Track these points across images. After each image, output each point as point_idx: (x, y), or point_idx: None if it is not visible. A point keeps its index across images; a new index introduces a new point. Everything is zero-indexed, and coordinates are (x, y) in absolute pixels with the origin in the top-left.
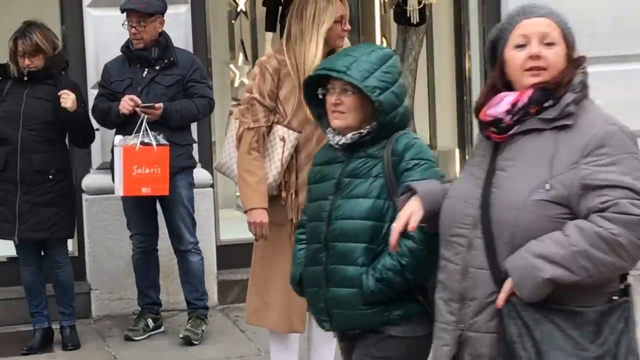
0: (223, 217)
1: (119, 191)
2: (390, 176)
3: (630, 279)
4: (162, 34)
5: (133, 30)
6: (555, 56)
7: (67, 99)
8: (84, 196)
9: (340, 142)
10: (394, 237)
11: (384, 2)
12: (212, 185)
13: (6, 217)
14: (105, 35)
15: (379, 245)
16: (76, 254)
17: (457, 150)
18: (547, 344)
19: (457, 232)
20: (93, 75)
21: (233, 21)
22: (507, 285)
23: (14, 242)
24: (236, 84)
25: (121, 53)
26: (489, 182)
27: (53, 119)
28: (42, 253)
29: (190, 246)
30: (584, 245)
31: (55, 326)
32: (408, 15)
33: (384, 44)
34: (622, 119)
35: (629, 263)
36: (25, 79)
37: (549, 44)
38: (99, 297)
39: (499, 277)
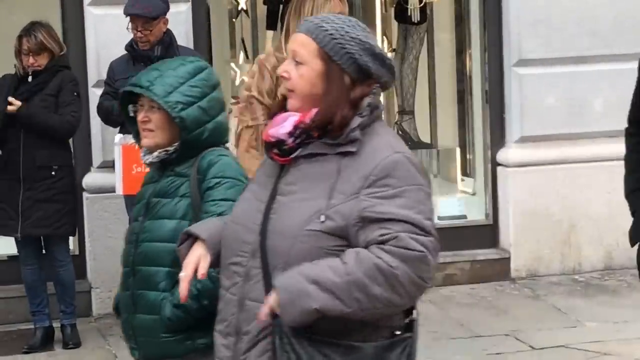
0: None
1: (119, 190)
2: (195, 196)
3: (415, 314)
4: (167, 32)
5: (139, 34)
6: (297, 77)
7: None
8: (85, 195)
9: (148, 161)
10: (183, 287)
11: (385, 0)
12: None
13: (9, 213)
14: (106, 33)
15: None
16: (77, 253)
17: (457, 150)
18: None
19: (235, 260)
20: (94, 74)
21: (234, 20)
22: (272, 300)
23: (17, 238)
24: (237, 82)
25: (125, 52)
26: (269, 207)
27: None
28: (44, 251)
29: None
30: (359, 275)
31: (56, 325)
32: (409, 13)
33: (385, 43)
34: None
35: (405, 300)
36: (30, 79)
37: (298, 63)
38: (100, 296)
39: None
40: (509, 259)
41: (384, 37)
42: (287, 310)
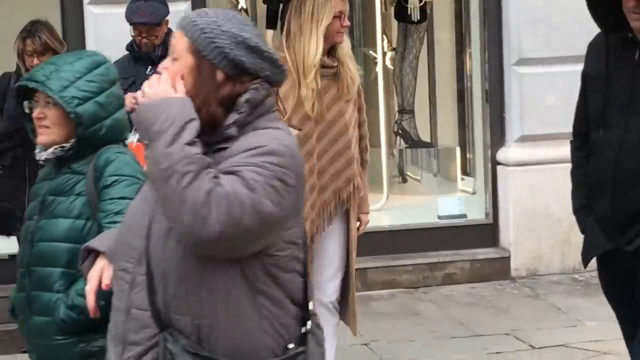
0: None
1: None
2: (92, 194)
3: (309, 325)
4: (168, 32)
5: (145, 40)
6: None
7: None
8: None
9: (43, 158)
10: (90, 299)
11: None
12: None
13: (15, 212)
14: (106, 33)
15: (79, 270)
16: None
17: (457, 149)
18: None
19: (123, 266)
20: None
21: None
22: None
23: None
24: None
25: (126, 52)
26: (155, 210)
27: None
28: None
29: None
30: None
31: None
32: (409, 12)
33: (385, 42)
34: None
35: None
36: None
37: (174, 59)
38: None
39: (160, 319)
40: (509, 258)
41: (384, 36)
42: None
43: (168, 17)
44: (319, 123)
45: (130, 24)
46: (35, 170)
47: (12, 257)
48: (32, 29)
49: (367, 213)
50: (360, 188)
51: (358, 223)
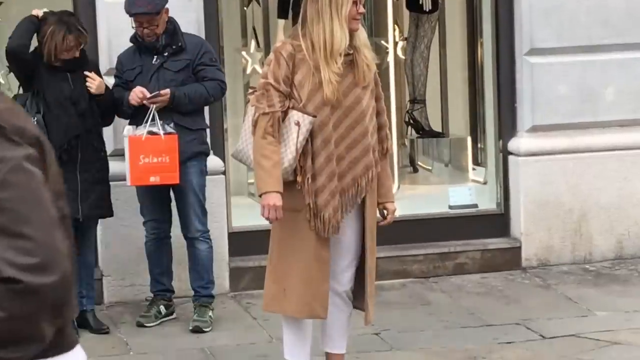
0: (235, 204)
1: (127, 180)
2: None
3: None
4: (170, 21)
5: (146, 31)
6: None
7: (93, 84)
8: None
9: None
10: None
11: None
12: (224, 173)
13: (69, 195)
14: (118, 22)
15: None
16: None
17: (469, 139)
18: None
19: None
20: (105, 62)
21: (245, 8)
22: None
23: (79, 220)
24: (248, 70)
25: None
26: None
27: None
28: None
29: (197, 234)
30: None
31: None
32: (421, 2)
33: (396, 31)
34: (634, 107)
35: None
36: (64, 69)
37: None
38: (111, 284)
39: None
40: (519, 248)
41: (396, 25)
42: None
43: (167, 6)
44: (336, 110)
45: (130, 16)
46: (86, 154)
47: None
48: (70, 22)
49: (393, 202)
50: (376, 177)
51: (385, 212)
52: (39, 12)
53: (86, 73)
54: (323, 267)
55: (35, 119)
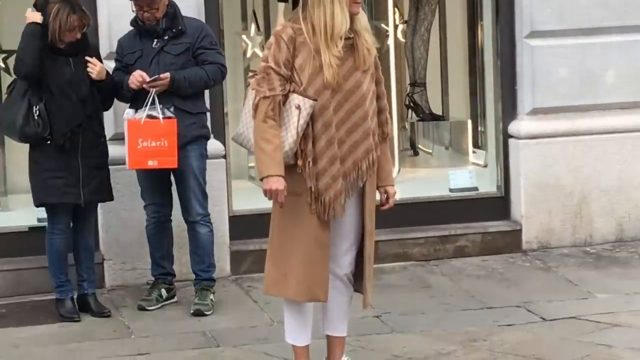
0: (236, 187)
1: (126, 164)
2: None
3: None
4: (170, 4)
5: (146, 14)
6: None
7: (94, 69)
8: None
9: None
10: None
11: None
12: (224, 156)
13: (71, 181)
14: (118, 6)
15: None
16: None
17: (469, 121)
18: None
19: None
20: (106, 45)
21: None
22: None
23: (81, 205)
24: (248, 54)
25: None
26: None
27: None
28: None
29: (198, 217)
30: None
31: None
32: None
33: (397, 14)
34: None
35: None
36: (66, 52)
37: None
38: (112, 267)
39: None
40: (520, 230)
41: (396, 8)
42: None
43: None
44: (336, 93)
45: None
46: (87, 140)
47: (32, 229)
48: (74, 2)
49: (393, 185)
50: (376, 161)
51: (385, 195)
52: (37, 16)
53: (87, 59)
54: (323, 250)
55: (38, 107)
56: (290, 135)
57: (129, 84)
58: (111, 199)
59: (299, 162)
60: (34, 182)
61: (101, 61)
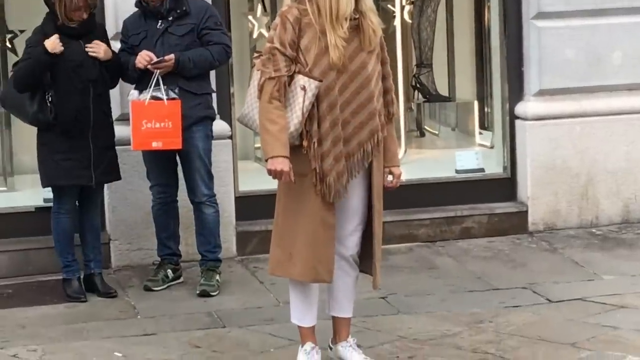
0: (242, 168)
1: (131, 145)
2: None
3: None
4: None
5: None
6: None
7: (98, 49)
8: None
9: None
10: None
11: None
12: (231, 137)
13: (82, 163)
14: None
15: None
16: None
17: (476, 103)
18: None
19: None
20: (112, 26)
21: None
22: None
23: (92, 186)
24: (255, 35)
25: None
26: None
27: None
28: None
29: (204, 198)
30: None
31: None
32: None
33: None
34: None
35: None
36: (75, 33)
37: None
38: (119, 248)
39: None
40: (526, 212)
41: None
42: None
43: None
44: (342, 74)
45: None
46: (97, 121)
47: (39, 209)
48: None
49: (398, 166)
50: (382, 141)
51: (391, 176)
52: (57, 47)
53: (87, 46)
54: (328, 231)
55: (50, 93)
56: (295, 116)
57: (135, 63)
58: (119, 178)
59: (304, 143)
60: (44, 163)
61: (108, 41)
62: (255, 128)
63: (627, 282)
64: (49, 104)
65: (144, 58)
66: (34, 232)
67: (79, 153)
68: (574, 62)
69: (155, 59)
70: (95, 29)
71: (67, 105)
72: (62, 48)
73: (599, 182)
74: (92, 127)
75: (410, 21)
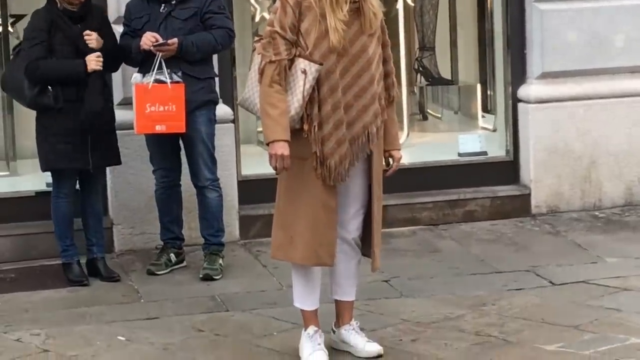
0: (244, 152)
1: (134, 129)
2: None
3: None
4: None
5: None
6: None
7: (92, 40)
8: None
9: None
10: None
11: None
12: (233, 121)
13: (80, 146)
14: None
15: None
16: None
17: (478, 86)
18: None
19: None
20: (114, 10)
21: None
22: None
23: (89, 170)
24: (257, 19)
25: None
26: None
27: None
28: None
29: (207, 182)
30: None
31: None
32: None
33: None
34: None
35: None
36: (75, 16)
37: None
38: (122, 232)
39: None
40: (529, 195)
41: None
42: None
43: None
44: (342, 57)
45: None
46: (94, 105)
47: (41, 194)
48: None
49: (399, 149)
50: (382, 124)
51: (391, 159)
52: (95, 65)
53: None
54: (330, 215)
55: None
56: (296, 99)
57: (140, 45)
58: (119, 162)
59: (305, 127)
60: (43, 147)
61: (109, 25)
62: (256, 112)
63: (630, 264)
64: (50, 89)
65: (148, 39)
66: (37, 217)
67: (76, 137)
68: (576, 44)
69: (160, 40)
70: (91, 11)
71: (67, 89)
72: (100, 67)
73: (601, 165)
74: (91, 111)
75: (412, 4)
